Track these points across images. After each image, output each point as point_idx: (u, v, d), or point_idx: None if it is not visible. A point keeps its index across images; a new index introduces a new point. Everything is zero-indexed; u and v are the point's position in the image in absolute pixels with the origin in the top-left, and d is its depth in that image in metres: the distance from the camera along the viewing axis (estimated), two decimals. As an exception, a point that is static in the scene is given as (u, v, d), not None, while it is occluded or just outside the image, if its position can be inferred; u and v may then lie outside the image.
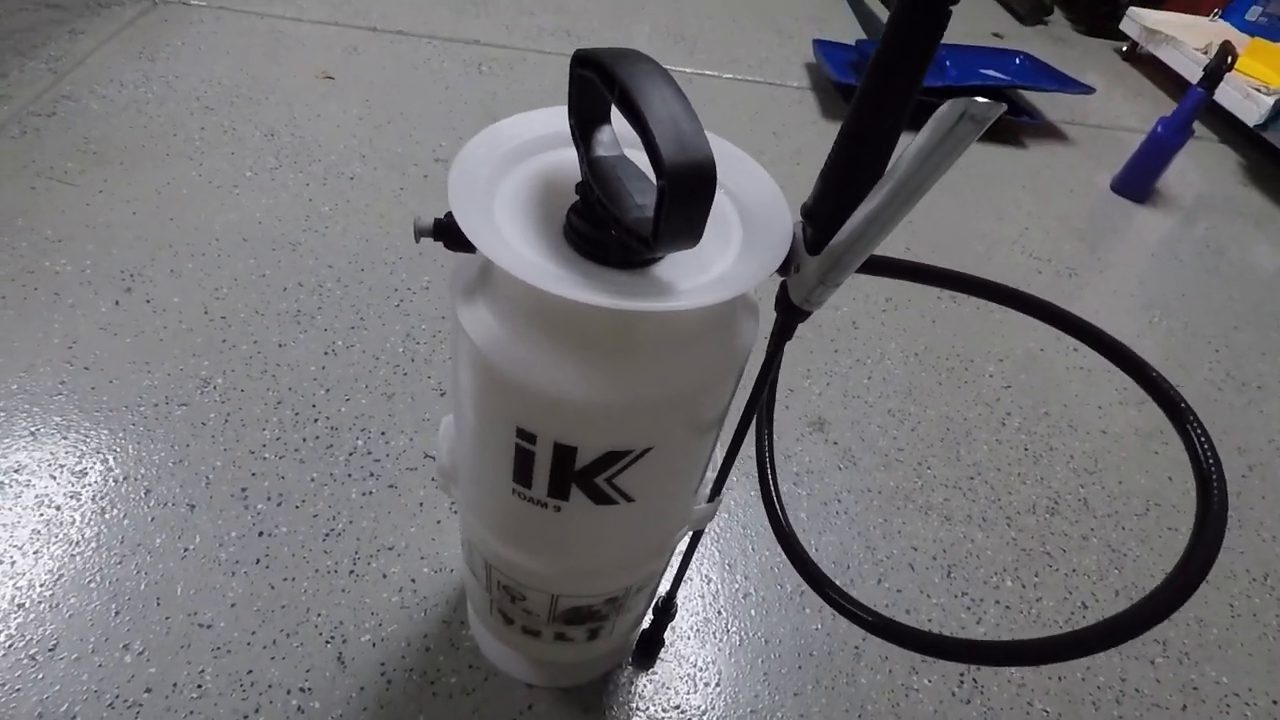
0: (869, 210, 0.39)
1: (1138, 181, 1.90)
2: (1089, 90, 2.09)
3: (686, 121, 0.39)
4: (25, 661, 0.76)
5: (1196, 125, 1.83)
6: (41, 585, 0.82)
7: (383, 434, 1.03)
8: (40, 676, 0.76)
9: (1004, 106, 0.33)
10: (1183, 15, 2.64)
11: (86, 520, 0.88)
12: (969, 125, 0.33)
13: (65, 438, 0.95)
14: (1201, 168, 2.11)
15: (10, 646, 0.77)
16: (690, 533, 0.71)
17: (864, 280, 1.45)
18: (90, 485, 0.91)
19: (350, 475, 0.97)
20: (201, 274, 1.20)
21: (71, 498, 0.90)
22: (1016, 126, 2.07)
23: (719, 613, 0.92)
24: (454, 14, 2.07)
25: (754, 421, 0.58)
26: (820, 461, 1.12)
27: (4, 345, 1.04)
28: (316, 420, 1.03)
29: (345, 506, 0.94)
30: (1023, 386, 1.31)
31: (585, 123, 0.47)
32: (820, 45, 2.08)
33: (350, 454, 1.00)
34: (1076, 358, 1.38)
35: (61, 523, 0.87)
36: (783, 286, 0.48)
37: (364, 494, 0.96)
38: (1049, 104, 2.21)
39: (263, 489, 0.94)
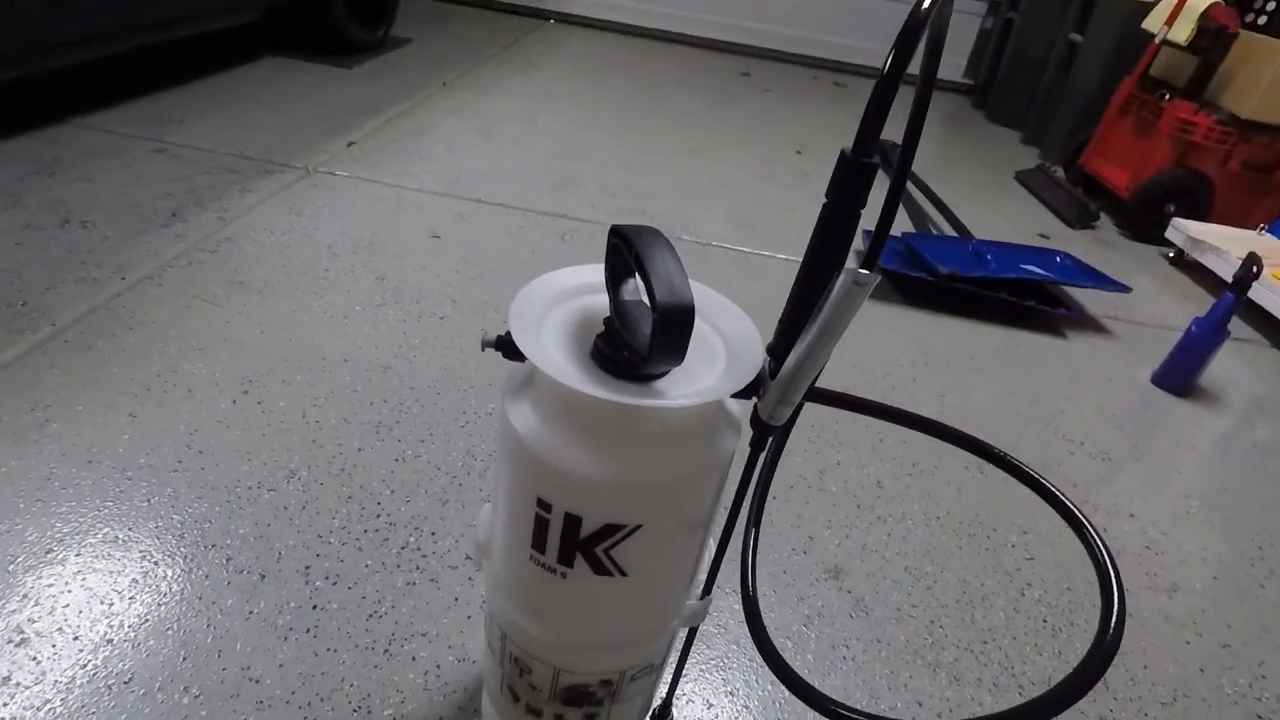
0: (801, 348, 0.52)
1: (1178, 376, 1.96)
2: (1126, 289, 2.21)
3: (677, 275, 0.55)
4: (103, 690, 0.88)
5: (1245, 326, 1.90)
6: (129, 626, 0.95)
7: (433, 534, 1.15)
8: (113, 705, 0.87)
9: (877, 278, 0.48)
10: (1229, 228, 2.78)
11: (175, 577, 1.02)
12: (855, 289, 0.47)
13: (173, 506, 1.12)
14: (1249, 367, 2.15)
15: (94, 675, 0.89)
16: (684, 633, 0.79)
17: (894, 444, 1.54)
18: (185, 548, 1.06)
19: (399, 566, 1.10)
20: (306, 385, 1.41)
21: (168, 556, 1.05)
22: (1055, 319, 2.19)
23: (717, 735, 0.96)
24: (549, 191, 2.41)
25: (742, 525, 0.68)
26: (832, 607, 1.17)
27: (142, 427, 1.25)
28: (379, 516, 1.17)
29: (390, 592, 1.06)
30: (1046, 561, 1.33)
31: (615, 275, 0.64)
32: (867, 235, 2.30)
33: (402, 548, 1.12)
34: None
35: (156, 576, 1.02)
36: (754, 408, 0.61)
37: (408, 584, 1.07)
38: (1093, 301, 2.33)
39: (323, 568, 1.07)
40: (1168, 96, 2.92)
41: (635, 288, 0.64)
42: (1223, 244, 2.56)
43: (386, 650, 0.98)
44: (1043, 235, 2.86)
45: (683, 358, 0.56)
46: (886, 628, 1.15)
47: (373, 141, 2.55)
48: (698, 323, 0.64)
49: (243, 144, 2.36)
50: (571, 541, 0.61)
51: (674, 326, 0.53)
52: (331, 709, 0.91)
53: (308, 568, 1.07)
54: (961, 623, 1.19)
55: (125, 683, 0.89)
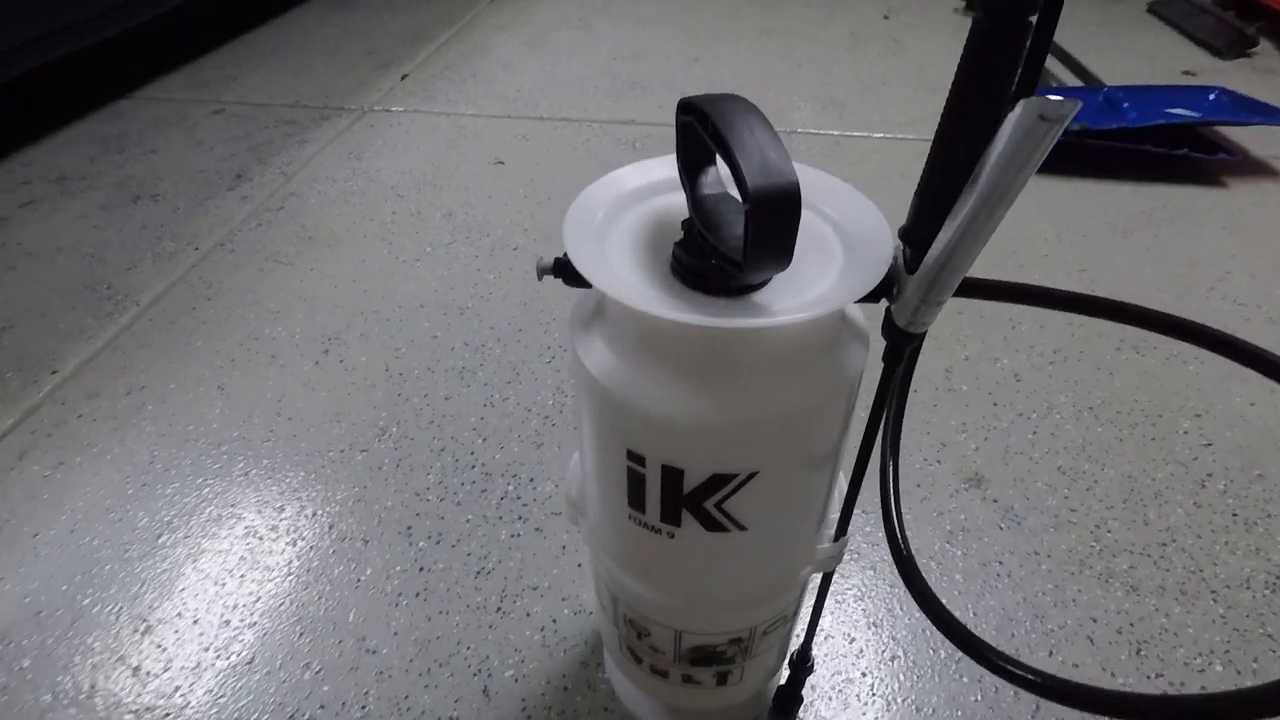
0: (956, 224, 0.38)
1: (1376, 213, 1.64)
2: (1303, 118, 1.85)
3: (772, 149, 0.41)
4: (227, 672, 0.87)
5: None
6: (243, 606, 0.94)
7: (530, 480, 1.09)
8: (239, 686, 0.86)
9: (1079, 103, 0.32)
10: None
11: (281, 550, 1.00)
12: (1044, 126, 0.32)
13: (270, 478, 1.10)
14: None
15: (218, 657, 0.89)
16: (819, 575, 0.69)
17: (1029, 331, 1.35)
18: (286, 520, 1.04)
19: (501, 518, 1.04)
20: (385, 337, 1.35)
21: (271, 529, 1.03)
22: (1213, 165, 1.87)
23: (863, 674, 0.87)
24: (612, 99, 2.24)
25: (879, 455, 0.56)
26: (977, 520, 1.04)
27: (232, 398, 1.23)
28: (473, 466, 1.11)
29: (495, 547, 1.00)
30: (1227, 445, 1.14)
31: (691, 165, 0.50)
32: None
33: (501, 498, 1.07)
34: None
35: (262, 551, 1.00)
36: (887, 313, 0.48)
37: (512, 535, 1.02)
38: (1256, 140, 1.97)
39: (424, 528, 1.03)
40: None
41: (717, 177, 0.51)
42: None
43: (499, 608, 0.94)
44: (1187, 73, 2.44)
45: (789, 258, 0.43)
46: (1044, 537, 1.01)
47: (426, 71, 2.43)
48: (804, 212, 0.50)
49: (298, 92, 2.30)
50: (675, 498, 0.51)
51: (774, 216, 0.40)
52: (451, 674, 0.87)
53: (409, 528, 1.03)
54: (1134, 525, 1.03)
55: (248, 663, 0.88)
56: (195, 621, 0.92)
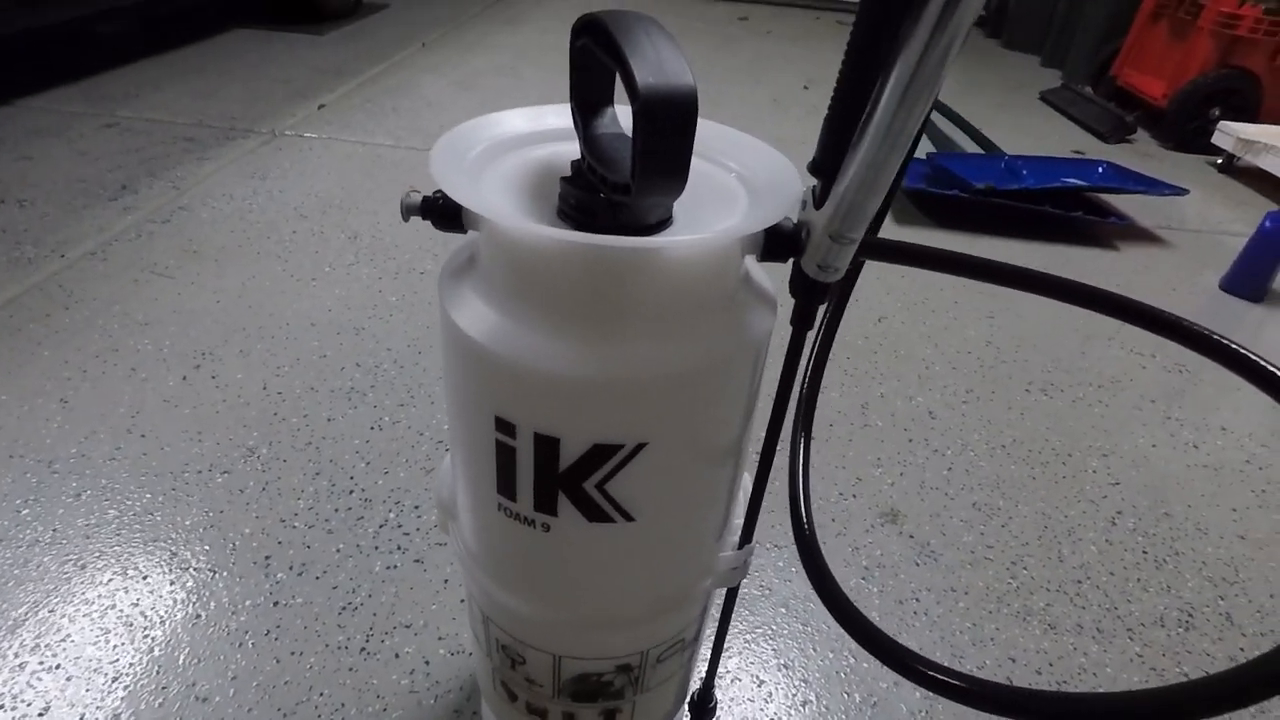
0: (872, 135, 0.33)
1: (1250, 279, 1.74)
2: (1182, 191, 1.99)
3: (671, 58, 0.36)
4: (14, 722, 0.72)
5: (1314, 218, 1.68)
6: (47, 646, 0.78)
7: (416, 508, 0.98)
8: (25, 739, 0.71)
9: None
10: (1281, 126, 2.53)
11: (106, 581, 0.86)
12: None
13: (107, 500, 0.95)
14: (1326, 268, 1.92)
15: (3, 708, 0.73)
16: (721, 595, 0.61)
17: (942, 370, 1.35)
18: (117, 547, 0.90)
19: (377, 548, 0.92)
20: (267, 354, 1.23)
21: (98, 556, 0.88)
22: (1106, 229, 1.97)
23: (773, 719, 0.79)
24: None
25: (788, 436, 0.50)
26: (894, 556, 0.99)
27: (74, 414, 1.08)
28: (352, 492, 1.00)
29: (367, 579, 0.88)
30: (1134, 484, 1.14)
31: (585, 106, 0.45)
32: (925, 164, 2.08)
33: (381, 526, 0.95)
34: (1198, 455, 1.21)
35: (83, 582, 0.85)
36: (795, 269, 0.42)
37: (388, 567, 0.90)
38: (1142, 211, 2.10)
39: (286, 557, 0.90)
40: (1205, -7, 2.66)
41: (614, 118, 0.45)
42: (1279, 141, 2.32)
43: (364, 649, 0.81)
44: (1077, 151, 2.62)
45: (684, 177, 0.37)
46: (961, 574, 0.97)
47: (346, 103, 2.36)
48: (703, 164, 0.45)
49: (202, 113, 2.18)
50: (549, 477, 0.43)
51: (667, 121, 0.35)
52: (296, 723, 0.74)
53: (268, 558, 0.90)
54: (1048, 562, 1.00)
55: (40, 714, 0.73)
56: (-18, 665, 0.76)
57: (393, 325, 1.33)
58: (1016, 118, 2.89)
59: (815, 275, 0.40)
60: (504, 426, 0.42)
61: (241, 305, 1.35)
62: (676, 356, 0.40)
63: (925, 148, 2.41)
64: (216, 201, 1.70)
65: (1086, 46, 3.37)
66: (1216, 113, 2.65)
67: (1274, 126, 2.54)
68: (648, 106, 0.34)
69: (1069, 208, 1.89)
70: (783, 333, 0.43)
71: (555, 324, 0.40)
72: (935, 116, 2.66)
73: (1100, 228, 1.97)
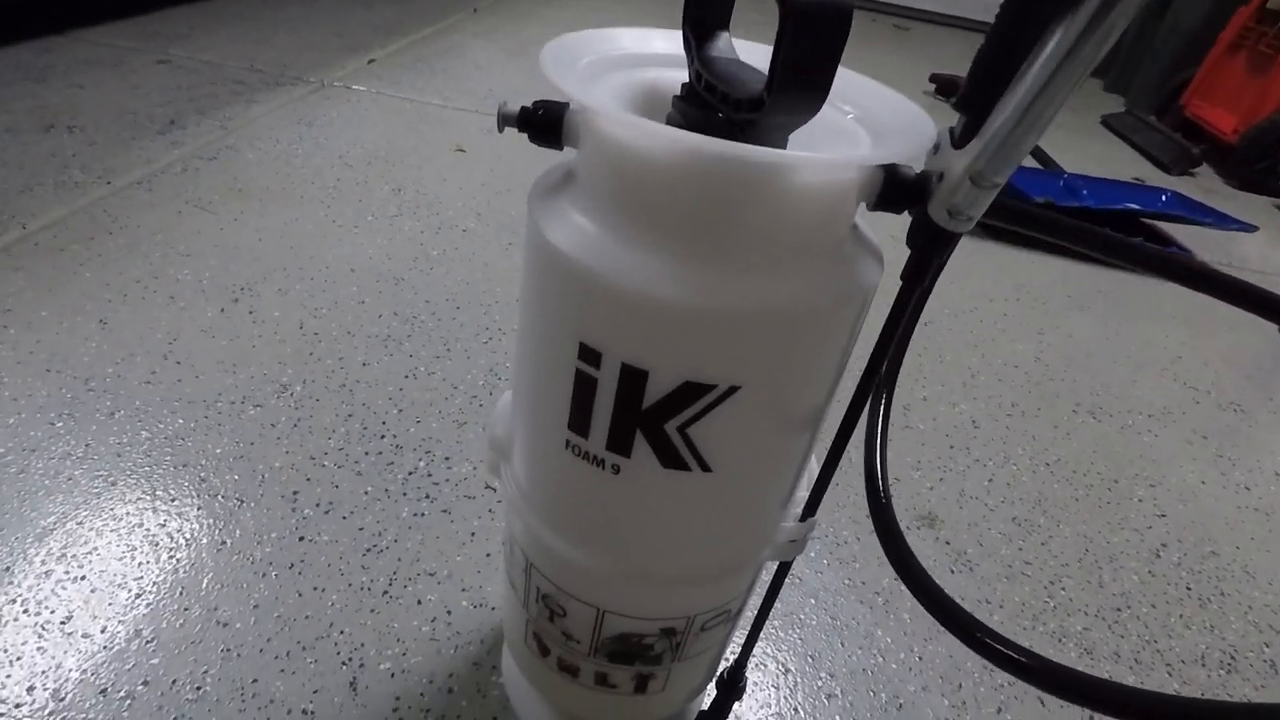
0: (1047, 49, 0.30)
1: (1309, 323, 1.69)
2: (1251, 228, 1.93)
3: (819, -35, 0.33)
4: (32, 630, 0.70)
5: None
6: (73, 557, 0.77)
7: (447, 459, 0.96)
8: (42, 646, 0.69)
9: None
10: (1349, 171, 2.46)
11: (134, 499, 0.84)
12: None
13: (139, 421, 0.94)
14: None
15: (24, 611, 0.72)
16: (772, 571, 0.58)
17: (987, 381, 1.31)
18: (146, 468, 0.88)
19: (405, 494, 0.90)
20: (306, 295, 1.22)
21: (128, 474, 0.87)
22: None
23: (795, 710, 0.76)
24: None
25: (870, 400, 0.47)
26: (929, 561, 0.96)
27: (112, 335, 1.07)
28: (383, 437, 0.98)
29: (393, 524, 0.86)
30: (1180, 519, 1.10)
31: (700, 29, 0.42)
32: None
33: (410, 473, 0.93)
34: (1249, 497, 1.16)
35: (111, 498, 0.84)
36: (918, 218, 0.40)
37: (416, 514, 0.88)
38: (1204, 246, 2.05)
39: (314, 494, 0.88)
40: (1292, 28, 2.59)
41: (729, 44, 0.42)
42: (1348, 185, 2.26)
43: (386, 592, 0.80)
44: (1137, 179, 2.56)
45: (825, 95, 0.34)
46: (996, 586, 0.94)
47: (396, 59, 2.35)
48: (827, 109, 0.42)
49: (253, 58, 2.17)
50: (631, 414, 0.40)
51: (816, 29, 0.32)
52: (314, 660, 0.72)
53: (295, 493, 0.88)
54: (1088, 586, 0.96)
55: (62, 622, 0.71)
56: (6, 569, 0.75)
57: (433, 279, 1.31)
58: (1075, 140, 2.83)
59: (944, 223, 0.37)
60: (588, 355, 0.40)
61: (283, 245, 1.34)
62: (784, 294, 0.37)
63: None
64: (263, 144, 1.69)
65: (1154, 74, 3.30)
66: (1287, 154, 2.58)
67: (1341, 173, 2.47)
68: (801, 6, 0.31)
69: (1129, 233, 1.84)
70: (887, 292, 0.41)
71: (658, 244, 0.37)
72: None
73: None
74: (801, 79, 0.33)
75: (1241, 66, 2.78)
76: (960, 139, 0.36)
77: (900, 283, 0.42)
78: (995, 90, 0.33)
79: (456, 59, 2.44)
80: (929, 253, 0.40)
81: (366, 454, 0.95)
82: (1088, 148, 2.77)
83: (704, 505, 0.45)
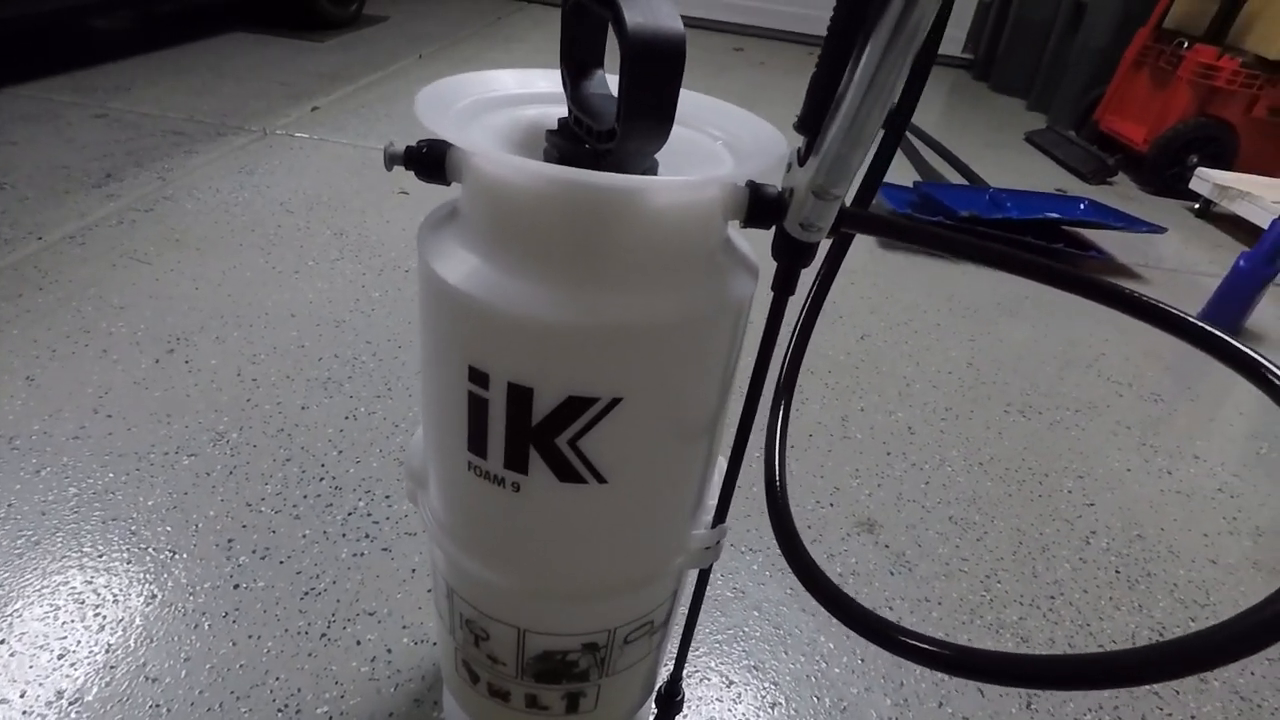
0: (857, 76, 0.33)
1: (1225, 316, 1.77)
2: (1160, 229, 2.03)
3: (660, 4, 0.36)
4: (-49, 695, 0.69)
5: (1287, 261, 1.72)
6: (-4, 616, 0.76)
7: (387, 497, 0.96)
8: (-39, 713, 0.68)
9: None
10: (1258, 176, 2.60)
11: (60, 556, 0.83)
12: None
13: (67, 478, 0.93)
14: (1298, 309, 1.96)
15: (-59, 677, 0.70)
16: (693, 580, 0.60)
17: (922, 389, 1.35)
18: (72, 524, 0.87)
19: (344, 535, 0.90)
20: (244, 342, 1.21)
21: (51, 533, 0.85)
22: (1086, 263, 2.00)
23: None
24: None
25: (766, 408, 0.49)
26: (869, 564, 0.98)
27: (40, 392, 1.06)
28: (322, 479, 0.98)
29: (332, 565, 0.86)
30: (1108, 505, 1.14)
31: (575, 67, 0.45)
32: (883, 187, 2.12)
33: (349, 514, 0.93)
34: (1170, 480, 1.21)
35: (36, 556, 0.82)
36: (778, 232, 0.42)
37: (355, 555, 0.88)
38: (1121, 249, 2.14)
39: (250, 541, 0.88)
40: (1186, 45, 2.75)
41: (603, 80, 0.45)
42: (1256, 190, 2.38)
43: (324, 635, 0.79)
44: (1059, 190, 2.68)
45: (669, 123, 0.37)
46: (935, 584, 0.96)
47: (340, 106, 2.37)
48: (687, 131, 0.45)
49: (194, 109, 2.17)
50: (522, 431, 0.42)
51: (653, 63, 0.35)
52: (249, 710, 0.71)
53: (230, 541, 0.88)
54: (1022, 577, 0.99)
55: (-20, 684, 0.70)
56: (-78, 636, 0.73)
57: (374, 320, 1.32)
58: (1002, 156, 2.95)
59: (798, 235, 0.40)
60: (477, 377, 0.42)
61: (221, 294, 1.33)
62: (655, 308, 0.40)
63: (912, 176, 2.45)
64: (202, 193, 1.69)
65: (1071, 92, 3.46)
66: (1195, 159, 2.72)
67: (1249, 175, 2.61)
68: (636, 46, 0.34)
69: (1050, 240, 1.93)
70: (764, 303, 0.43)
71: (534, 270, 0.39)
72: (922, 149, 2.72)
73: (1080, 262, 2.00)
74: (646, 109, 0.36)
75: (1146, 81, 2.94)
76: (803, 158, 0.39)
77: (772, 293, 0.44)
78: (825, 112, 0.36)
79: (401, 104, 2.46)
80: (792, 263, 0.42)
81: (305, 497, 0.95)
82: (1014, 163, 2.89)
83: (606, 517, 0.47)
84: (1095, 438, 1.29)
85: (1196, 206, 2.67)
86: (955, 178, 2.49)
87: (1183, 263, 2.18)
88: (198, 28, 3.00)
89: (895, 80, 0.33)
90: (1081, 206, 2.17)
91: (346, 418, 1.09)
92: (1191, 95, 2.72)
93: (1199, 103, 2.73)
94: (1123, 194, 2.76)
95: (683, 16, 0.35)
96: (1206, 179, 2.54)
